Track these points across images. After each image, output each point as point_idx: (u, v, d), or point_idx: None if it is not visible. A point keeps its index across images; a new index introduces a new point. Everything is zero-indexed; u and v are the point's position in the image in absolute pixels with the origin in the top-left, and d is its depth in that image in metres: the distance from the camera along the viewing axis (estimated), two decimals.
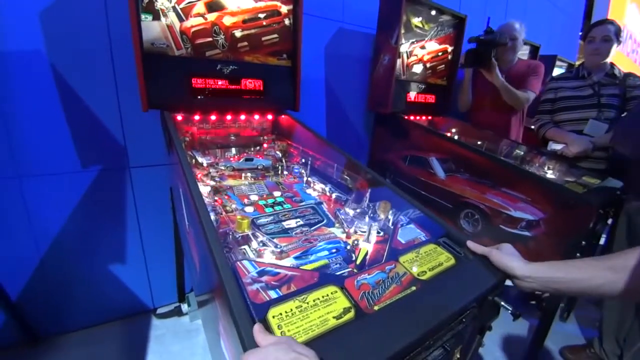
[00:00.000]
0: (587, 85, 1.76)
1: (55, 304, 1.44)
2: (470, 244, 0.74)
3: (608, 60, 1.73)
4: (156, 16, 1.07)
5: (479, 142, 1.88)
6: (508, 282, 0.68)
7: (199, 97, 1.20)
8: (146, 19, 1.06)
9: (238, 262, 0.63)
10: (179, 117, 1.22)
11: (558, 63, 3.06)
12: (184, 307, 1.68)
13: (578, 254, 1.28)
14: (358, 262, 0.72)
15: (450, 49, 2.07)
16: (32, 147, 1.25)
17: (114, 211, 1.48)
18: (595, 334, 1.53)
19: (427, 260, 0.70)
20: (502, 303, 0.65)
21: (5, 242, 1.28)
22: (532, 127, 2.00)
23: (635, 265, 0.56)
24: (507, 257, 0.67)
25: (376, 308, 0.55)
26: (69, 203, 1.37)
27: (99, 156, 1.38)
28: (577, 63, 2.44)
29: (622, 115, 1.68)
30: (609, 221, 1.44)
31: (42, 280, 1.38)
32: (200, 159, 1.21)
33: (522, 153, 1.83)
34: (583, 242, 1.27)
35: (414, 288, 0.61)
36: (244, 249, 0.75)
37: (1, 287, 1.28)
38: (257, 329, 0.45)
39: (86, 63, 1.27)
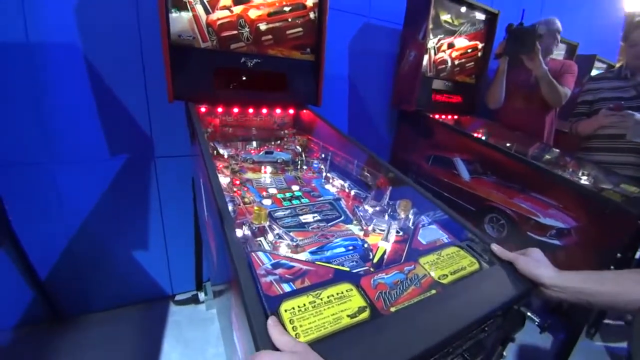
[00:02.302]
0: (630, 87, 1.63)
1: (80, 285, 1.51)
2: (495, 247, 0.70)
3: None
4: (184, 8, 1.09)
5: (507, 144, 1.80)
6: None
7: (223, 89, 1.21)
8: (174, 11, 1.07)
9: (253, 253, 0.63)
10: (203, 109, 1.24)
11: (597, 64, 2.87)
12: (201, 296, 1.71)
13: (612, 267, 1.20)
14: (375, 260, 0.70)
15: (480, 45, 1.99)
16: (65, 135, 1.31)
17: (139, 199, 1.53)
18: (623, 352, 1.43)
19: (449, 264, 0.67)
20: (529, 313, 0.61)
21: (38, 225, 1.35)
22: (565, 130, 1.89)
23: None
24: (535, 263, 0.62)
25: (393, 309, 0.53)
26: (97, 189, 1.43)
27: (127, 146, 1.43)
28: (618, 64, 2.28)
29: None
30: None
31: (70, 262, 1.45)
32: (221, 151, 1.22)
33: (554, 156, 1.73)
34: (618, 255, 1.18)
35: (434, 291, 0.59)
36: (260, 240, 0.74)
37: (32, 266, 1.35)
38: (272, 323, 0.43)
39: (117, 55, 1.31)
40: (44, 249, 1.39)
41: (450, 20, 1.80)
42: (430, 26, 1.68)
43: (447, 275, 0.63)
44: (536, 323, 0.60)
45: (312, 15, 1.30)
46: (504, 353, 0.72)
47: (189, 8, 1.10)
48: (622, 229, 1.18)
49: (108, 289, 1.57)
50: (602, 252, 1.22)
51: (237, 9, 1.17)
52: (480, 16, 1.91)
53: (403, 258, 0.70)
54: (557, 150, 1.78)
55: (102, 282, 1.54)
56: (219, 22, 1.15)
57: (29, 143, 1.26)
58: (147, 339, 1.47)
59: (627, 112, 1.51)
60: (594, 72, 2.78)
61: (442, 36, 1.79)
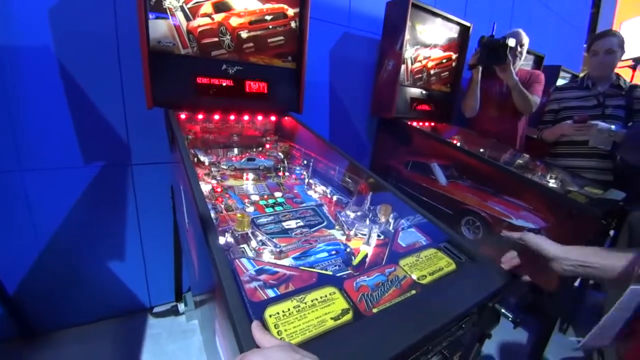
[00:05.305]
0: (591, 96, 1.75)
1: (52, 299, 1.43)
2: (505, 232, 0.75)
3: (613, 71, 1.73)
4: (164, 15, 1.08)
5: (481, 150, 1.88)
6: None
7: (204, 96, 1.21)
8: (153, 17, 1.07)
9: (236, 260, 0.63)
10: (183, 116, 1.23)
11: (562, 74, 3.06)
12: (181, 307, 1.67)
13: None
14: (355, 262, 0.72)
15: (454, 56, 2.08)
16: (36, 141, 1.25)
17: (115, 208, 1.48)
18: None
19: (428, 265, 0.70)
20: (503, 310, 0.64)
21: (5, 236, 1.28)
22: (534, 136, 2.00)
23: None
24: (542, 239, 0.68)
25: (375, 310, 0.55)
26: (70, 198, 1.37)
27: (102, 152, 1.39)
28: (581, 74, 2.46)
29: (630, 124, 1.67)
30: (611, 232, 1.43)
31: (40, 275, 1.38)
32: (202, 158, 1.21)
33: (525, 161, 1.82)
34: None
35: (413, 292, 0.61)
36: (243, 248, 0.74)
37: None
38: (256, 326, 0.44)
39: (93, 60, 1.28)
40: (13, 262, 1.32)
41: (425, 32, 1.87)
42: (407, 37, 1.74)
43: (425, 276, 0.66)
44: (509, 319, 0.64)
45: (293, 24, 1.32)
46: (482, 349, 0.75)
47: (169, 14, 1.10)
48: (587, 228, 1.26)
49: (82, 302, 1.50)
50: None
51: (218, 17, 1.18)
52: (454, 28, 2.00)
53: (384, 261, 0.72)
54: (527, 155, 1.88)
55: (76, 295, 1.47)
56: (200, 29, 1.15)
57: None
58: (125, 354, 1.41)
59: (590, 122, 1.62)
60: (559, 82, 2.95)
61: (418, 47, 1.87)
